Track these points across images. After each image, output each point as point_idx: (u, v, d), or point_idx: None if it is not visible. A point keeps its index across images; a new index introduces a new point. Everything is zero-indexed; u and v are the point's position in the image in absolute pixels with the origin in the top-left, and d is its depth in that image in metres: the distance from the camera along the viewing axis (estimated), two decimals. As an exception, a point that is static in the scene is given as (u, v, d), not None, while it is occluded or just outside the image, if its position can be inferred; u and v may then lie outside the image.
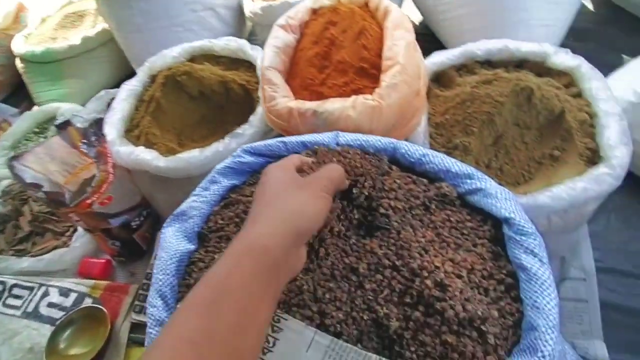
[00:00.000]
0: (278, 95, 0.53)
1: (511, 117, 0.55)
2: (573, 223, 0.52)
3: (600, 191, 0.47)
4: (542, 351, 0.29)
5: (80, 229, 0.75)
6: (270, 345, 0.34)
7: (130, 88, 0.72)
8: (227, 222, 0.42)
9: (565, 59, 0.60)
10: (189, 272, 0.41)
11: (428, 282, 0.34)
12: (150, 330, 0.36)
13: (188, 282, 0.40)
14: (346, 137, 0.46)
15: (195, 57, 0.77)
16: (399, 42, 0.51)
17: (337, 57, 0.55)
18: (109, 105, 0.97)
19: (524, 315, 0.33)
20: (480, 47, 0.64)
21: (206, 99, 0.69)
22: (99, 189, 0.61)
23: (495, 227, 0.39)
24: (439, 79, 0.67)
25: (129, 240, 0.71)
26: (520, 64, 0.65)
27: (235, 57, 0.77)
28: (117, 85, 1.11)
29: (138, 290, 0.68)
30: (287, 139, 0.47)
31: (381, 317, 0.35)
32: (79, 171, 0.66)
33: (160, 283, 0.39)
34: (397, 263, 0.36)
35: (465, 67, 0.66)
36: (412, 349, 0.34)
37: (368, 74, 0.54)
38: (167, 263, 0.40)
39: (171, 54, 0.76)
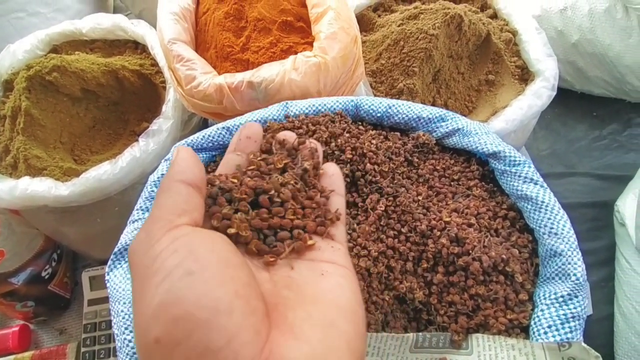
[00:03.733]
0: (197, 72, 0.43)
1: (445, 49, 0.53)
2: (520, 141, 0.55)
3: (542, 104, 0.49)
4: (574, 274, 0.29)
5: (-34, 302, 0.57)
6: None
7: (-22, 104, 0.54)
8: (190, 243, 0.34)
9: (475, -18, 0.59)
10: (161, 317, 0.32)
11: (443, 240, 0.32)
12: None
13: (166, 331, 0.31)
14: (298, 106, 0.40)
15: (59, 47, 0.60)
16: (322, -15, 0.45)
17: (254, 14, 0.46)
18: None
19: (537, 244, 0.33)
20: (394, -19, 0.60)
21: (94, 98, 0.55)
22: (-18, 248, 0.45)
23: (479, 164, 0.38)
24: (358, 23, 0.62)
25: (44, 295, 0.56)
26: (431, -7, 0.63)
27: (114, 39, 0.62)
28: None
29: (79, 347, 0.55)
30: (229, 123, 0.39)
31: (404, 293, 0.32)
32: None
33: (132, 345, 0.29)
34: (403, 230, 0.33)
35: (382, 6, 0.63)
36: (442, 312, 0.32)
37: (294, 28, 0.47)
38: (131, 317, 0.30)
39: (22, 48, 0.58)
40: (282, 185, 0.23)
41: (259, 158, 0.25)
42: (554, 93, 0.49)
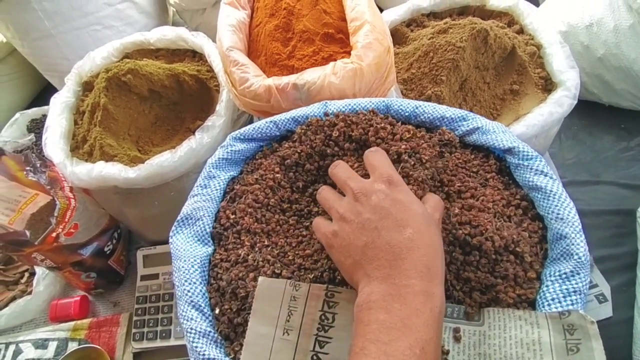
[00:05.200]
0: (250, 75, 0.50)
1: (472, 60, 0.58)
2: (543, 147, 0.58)
3: (563, 112, 0.53)
4: (577, 254, 0.33)
5: (39, 271, 0.66)
6: (331, 321, 0.33)
7: (63, 101, 0.63)
8: (240, 215, 0.40)
9: (502, 0, 0.64)
10: (214, 275, 0.38)
11: (457, 224, 0.36)
12: (195, 345, 0.33)
13: (217, 286, 0.37)
14: (336, 105, 0.45)
15: (129, 54, 0.70)
16: (360, 1, 0.51)
17: (300, 27, 0.53)
18: (29, 129, 0.85)
19: (547, 229, 0.36)
20: (426, -1, 0.66)
21: (158, 98, 0.63)
22: (64, 218, 0.53)
23: (497, 159, 0.42)
24: (392, 37, 0.68)
25: (104, 268, 0.64)
26: (463, 11, 0.68)
27: (176, 48, 0.71)
28: (30, 104, 0.98)
29: (131, 317, 0.62)
30: (276, 118, 0.45)
31: None
32: (22, 207, 0.57)
33: (190, 294, 0.35)
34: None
35: (414, 22, 0.68)
36: (458, 287, 0.35)
37: (335, 39, 0.53)
38: (190, 272, 0.37)
39: (100, 55, 0.67)
40: None
41: None
42: (575, 102, 0.52)
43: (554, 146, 0.69)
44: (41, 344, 0.63)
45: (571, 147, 0.69)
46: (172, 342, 0.59)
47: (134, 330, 0.61)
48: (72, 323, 0.65)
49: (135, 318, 0.61)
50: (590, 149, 0.69)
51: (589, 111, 0.71)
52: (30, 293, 0.66)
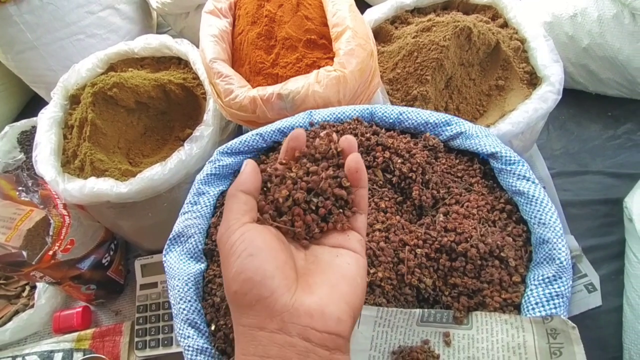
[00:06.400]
0: (234, 86, 0.50)
1: (456, 58, 0.58)
2: (529, 141, 0.58)
3: (547, 108, 0.53)
4: (558, 259, 0.34)
5: (40, 285, 0.67)
6: (322, 333, 0.34)
7: (51, 116, 0.63)
8: (231, 231, 0.40)
9: (486, -7, 0.64)
10: (208, 291, 0.39)
11: (443, 232, 0.37)
12: (193, 362, 0.35)
13: (212, 302, 0.38)
14: (320, 114, 0.46)
15: (114, 65, 0.69)
16: (342, 6, 0.51)
17: (282, 34, 0.53)
18: (19, 141, 0.85)
19: (530, 233, 0.37)
20: (409, -5, 0.65)
21: (145, 108, 0.63)
22: (59, 236, 0.54)
23: (481, 164, 0.43)
24: (377, 35, 0.68)
25: (104, 279, 0.65)
26: (446, 5, 0.68)
27: (161, 56, 0.70)
28: (18, 116, 0.98)
29: (133, 326, 0.64)
30: (262, 130, 0.45)
31: (415, 285, 0.36)
32: (18, 223, 0.58)
33: (185, 312, 0.36)
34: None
35: (398, 19, 0.68)
36: (446, 293, 0.36)
37: (317, 44, 0.53)
38: (184, 290, 0.37)
39: (85, 67, 0.67)
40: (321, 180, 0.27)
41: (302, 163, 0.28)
42: (559, 97, 0.53)
43: (542, 137, 0.70)
44: (47, 356, 0.64)
45: (559, 137, 0.70)
46: (174, 349, 0.60)
47: (136, 339, 0.62)
48: (75, 334, 0.66)
49: (137, 327, 0.63)
50: (578, 138, 0.69)
51: (576, 100, 0.71)
52: (32, 306, 0.67)
